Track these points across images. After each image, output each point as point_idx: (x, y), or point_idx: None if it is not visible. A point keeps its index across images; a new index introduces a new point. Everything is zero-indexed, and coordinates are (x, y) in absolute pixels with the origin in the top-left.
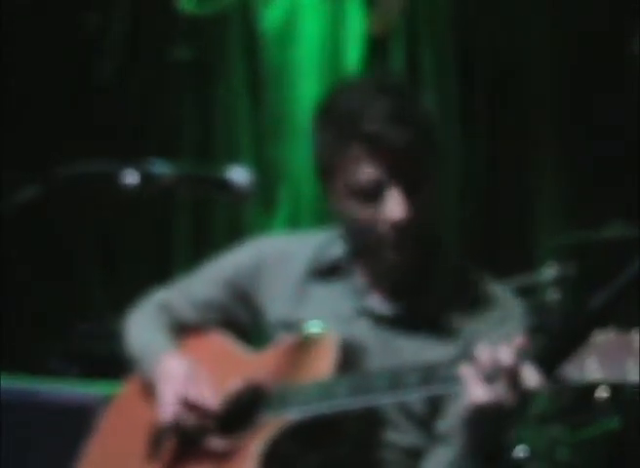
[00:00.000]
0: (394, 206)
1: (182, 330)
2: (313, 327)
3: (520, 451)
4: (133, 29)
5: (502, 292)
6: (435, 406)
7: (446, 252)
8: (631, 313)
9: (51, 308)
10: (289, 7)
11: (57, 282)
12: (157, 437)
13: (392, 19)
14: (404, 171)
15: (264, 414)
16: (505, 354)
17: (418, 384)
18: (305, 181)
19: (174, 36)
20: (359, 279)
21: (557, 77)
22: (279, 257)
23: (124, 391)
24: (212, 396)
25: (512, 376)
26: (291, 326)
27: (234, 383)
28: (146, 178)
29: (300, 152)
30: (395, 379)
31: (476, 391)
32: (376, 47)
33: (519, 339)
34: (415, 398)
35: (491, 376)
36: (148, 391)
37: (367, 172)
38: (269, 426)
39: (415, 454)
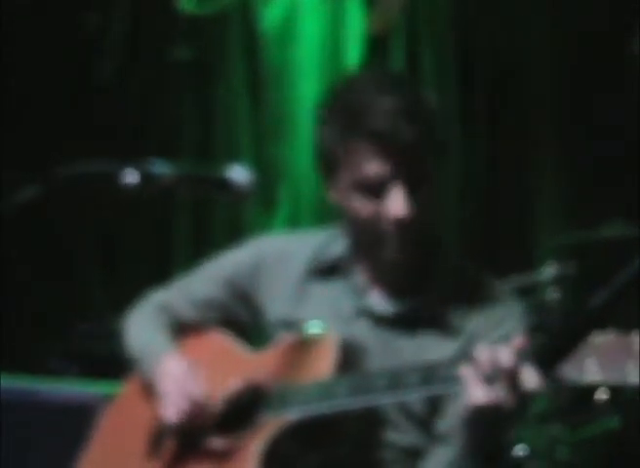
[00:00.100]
0: (398, 202)
1: (182, 329)
2: (313, 327)
3: (520, 451)
4: (133, 29)
5: (502, 292)
6: (435, 405)
7: (446, 251)
8: (631, 314)
9: (51, 308)
10: (289, 6)
11: (57, 282)
12: (157, 436)
13: (392, 19)
14: (409, 168)
15: (264, 414)
16: (505, 355)
17: (418, 384)
18: (305, 181)
19: (174, 36)
20: (359, 277)
21: (557, 77)
22: (279, 257)
23: (124, 391)
24: (212, 396)
25: (512, 377)
26: (291, 325)
27: (234, 383)
28: (146, 178)
29: (300, 152)
30: (395, 379)
31: (476, 392)
32: (376, 46)
33: (519, 340)
34: (415, 398)
35: (490, 377)
36: (148, 391)
37: (373, 167)
38: (269, 426)
39: (414, 454)
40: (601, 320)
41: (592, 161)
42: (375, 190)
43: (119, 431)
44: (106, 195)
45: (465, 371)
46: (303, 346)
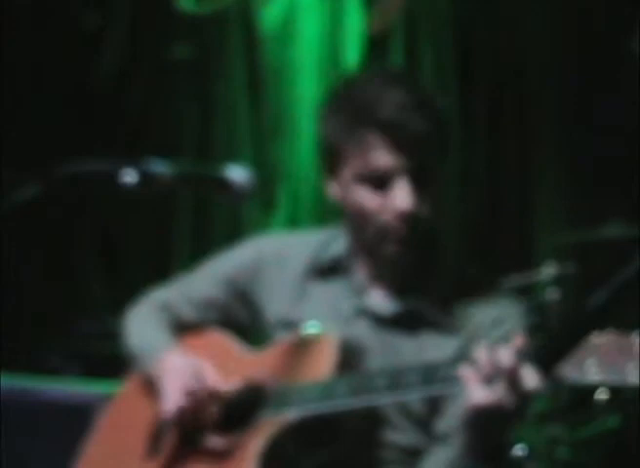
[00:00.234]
0: (404, 196)
1: (181, 328)
2: (311, 327)
3: (519, 450)
4: (132, 29)
5: (502, 292)
6: (434, 405)
7: (445, 251)
8: (631, 315)
9: (51, 308)
10: (288, 6)
11: (57, 282)
12: (157, 434)
13: (391, 18)
14: (418, 161)
15: (264, 414)
16: (505, 355)
17: (417, 384)
18: (305, 181)
19: (173, 35)
20: (359, 275)
21: (557, 77)
22: (279, 256)
23: (123, 389)
24: (222, 385)
25: (512, 378)
26: (290, 325)
27: (234, 382)
28: (145, 178)
29: (299, 151)
30: (395, 379)
31: (476, 392)
32: (375, 46)
33: (518, 340)
34: (414, 398)
35: (490, 378)
36: (148, 388)
37: (381, 157)
38: (269, 425)
39: (414, 454)
40: (601, 320)
41: (592, 161)
42: (381, 182)
43: (119, 429)
44: (106, 195)
45: (465, 372)
46: (303, 346)
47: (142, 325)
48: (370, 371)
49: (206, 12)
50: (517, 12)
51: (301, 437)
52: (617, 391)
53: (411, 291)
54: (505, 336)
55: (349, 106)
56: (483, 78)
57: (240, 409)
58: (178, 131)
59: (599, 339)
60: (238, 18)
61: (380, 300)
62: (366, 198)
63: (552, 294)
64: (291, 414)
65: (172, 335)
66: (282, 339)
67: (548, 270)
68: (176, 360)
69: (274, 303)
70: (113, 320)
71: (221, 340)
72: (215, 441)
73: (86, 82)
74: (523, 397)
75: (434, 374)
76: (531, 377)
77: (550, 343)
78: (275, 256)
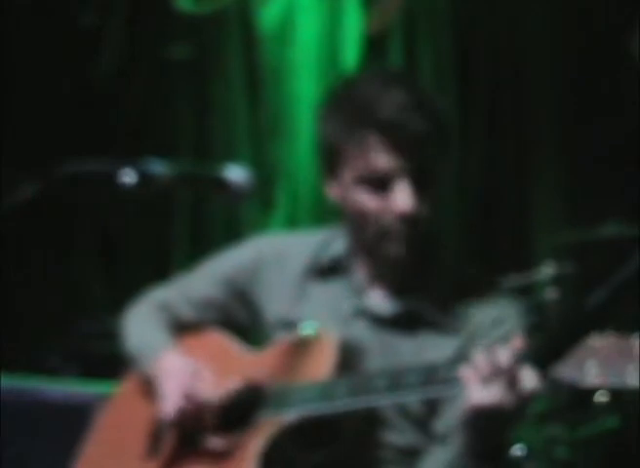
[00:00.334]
0: (404, 197)
1: (181, 328)
2: (310, 327)
3: (518, 450)
4: (131, 29)
5: (501, 292)
6: (432, 406)
7: (445, 251)
8: (631, 317)
9: (51, 308)
10: (286, 6)
11: (56, 282)
12: (156, 434)
13: (390, 18)
14: (418, 162)
15: (263, 414)
16: (503, 356)
17: (417, 385)
18: (304, 181)
19: (172, 35)
20: (359, 276)
21: (557, 77)
22: (278, 256)
23: (122, 388)
24: (215, 392)
25: (511, 378)
26: (289, 325)
27: (233, 382)
28: (144, 178)
29: (298, 151)
30: (394, 380)
31: (475, 393)
32: (374, 46)
33: (517, 341)
34: (414, 399)
35: (489, 378)
36: (146, 388)
37: (382, 159)
38: (268, 426)
39: (412, 454)
40: (599, 320)
41: (591, 161)
42: (381, 184)
43: (117, 429)
44: (105, 195)
45: (465, 372)
46: (302, 346)
47: (141, 325)
48: (369, 372)
49: (204, 12)
50: (517, 12)
51: (301, 437)
52: (616, 393)
53: (410, 291)
54: (505, 336)
55: (349, 107)
56: (482, 78)
57: (239, 410)
58: (176, 131)
59: (599, 342)
60: (237, 17)
61: (379, 301)
62: (366, 199)
63: (551, 294)
64: (290, 415)
65: (171, 335)
66: (281, 339)
67: (547, 270)
68: (174, 360)
69: (274, 303)
70: (112, 320)
71: (221, 340)
72: (214, 441)
73: (85, 82)
74: (522, 397)
75: (434, 376)
76: (530, 378)
77: (549, 343)
78: (275, 256)
